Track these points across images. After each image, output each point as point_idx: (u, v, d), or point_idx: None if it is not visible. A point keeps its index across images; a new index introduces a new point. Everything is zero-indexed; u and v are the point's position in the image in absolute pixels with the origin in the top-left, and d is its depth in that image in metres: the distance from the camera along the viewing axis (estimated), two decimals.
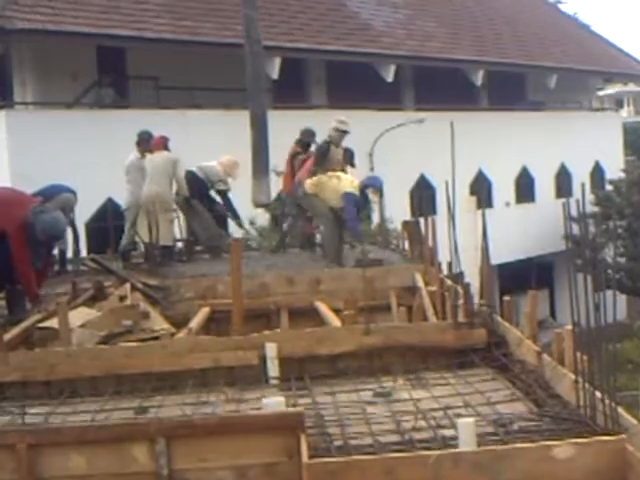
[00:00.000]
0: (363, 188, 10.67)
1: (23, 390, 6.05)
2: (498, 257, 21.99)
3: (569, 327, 5.05)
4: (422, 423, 4.83)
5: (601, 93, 48.56)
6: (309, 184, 10.89)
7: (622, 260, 29.60)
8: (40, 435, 4.46)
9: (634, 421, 4.27)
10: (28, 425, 5.00)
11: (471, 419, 4.28)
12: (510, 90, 29.98)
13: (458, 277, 7.10)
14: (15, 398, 5.87)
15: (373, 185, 10.80)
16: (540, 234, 27.21)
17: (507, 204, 28.06)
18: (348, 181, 10.81)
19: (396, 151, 23.52)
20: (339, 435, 4.73)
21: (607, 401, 4.36)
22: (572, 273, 4.81)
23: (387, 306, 8.64)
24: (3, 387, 6.10)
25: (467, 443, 4.09)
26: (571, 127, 29.86)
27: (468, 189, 26.54)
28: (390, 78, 25.63)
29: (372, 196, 10.68)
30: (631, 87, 58.31)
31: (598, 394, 4.43)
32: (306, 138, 13.17)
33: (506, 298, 6.43)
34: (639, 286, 29.30)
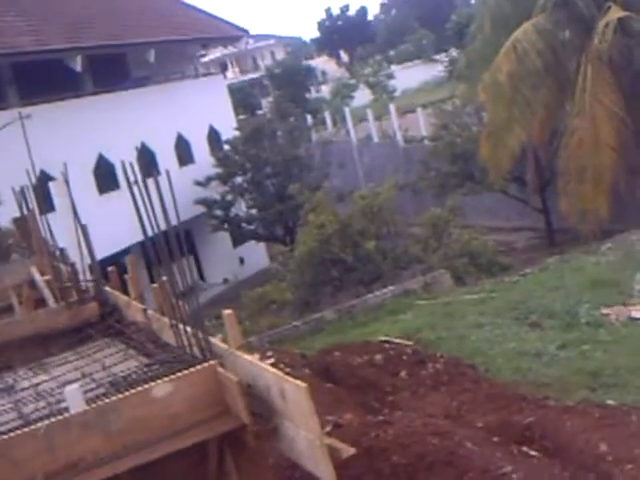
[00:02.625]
0: None
1: None
2: (135, 235, 22.35)
3: (164, 279, 5.40)
4: (42, 404, 5.01)
5: (205, 59, 50.30)
6: None
7: (254, 212, 31.38)
8: None
9: (225, 347, 4.78)
10: None
11: (76, 385, 4.54)
12: (113, 71, 30.07)
13: (65, 261, 7.25)
14: None
15: None
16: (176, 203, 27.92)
17: (135, 182, 28.31)
18: None
19: (11, 150, 22.75)
20: None
21: (200, 335, 4.83)
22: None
23: (11, 306, 8.53)
24: None
25: (76, 407, 4.35)
26: (180, 97, 30.61)
27: (92, 175, 26.49)
28: None
29: None
30: (232, 49, 61.23)
31: (191, 331, 4.88)
32: None
33: (110, 268, 6.72)
34: (274, 232, 31.35)
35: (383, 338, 13.19)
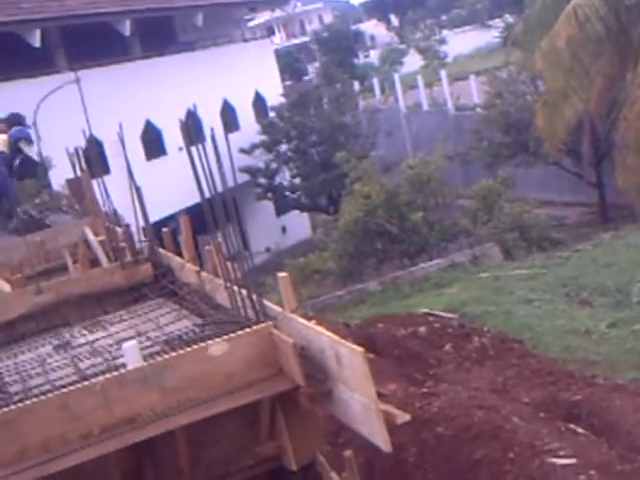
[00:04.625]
0: (14, 142, 10.41)
1: None
2: (182, 202, 22.52)
3: (216, 242, 5.41)
4: (98, 360, 5.08)
5: (252, 23, 50.02)
6: None
7: (297, 181, 31.27)
8: None
9: (279, 309, 4.78)
10: None
11: (134, 341, 4.58)
12: (160, 35, 30.07)
13: (119, 222, 7.32)
14: None
15: (24, 137, 10.54)
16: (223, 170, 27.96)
17: (180, 149, 28.37)
18: None
19: (60, 114, 22.90)
20: (20, 392, 4.85)
21: (254, 297, 4.83)
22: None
23: (65, 265, 8.63)
24: None
25: (134, 363, 4.39)
26: (227, 62, 30.36)
27: (140, 141, 26.62)
28: (37, 43, 24.76)
29: (25, 147, 10.42)
30: (279, 13, 60.69)
31: (245, 293, 4.88)
32: None
33: (164, 229, 6.76)
34: (317, 202, 31.25)
35: (426, 310, 13.14)
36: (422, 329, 12.00)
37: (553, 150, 22.21)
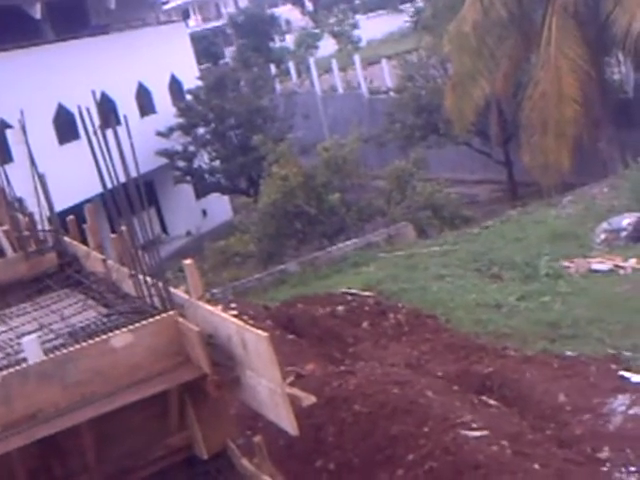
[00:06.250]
0: None
1: None
2: (97, 186, 22.16)
3: (120, 230, 5.31)
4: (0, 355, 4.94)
5: (167, 7, 49.31)
6: None
7: (217, 163, 31.08)
8: None
9: (186, 297, 4.73)
10: None
11: (34, 335, 4.48)
12: (72, 18, 29.41)
13: (24, 211, 7.12)
14: None
15: None
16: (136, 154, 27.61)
17: (94, 133, 27.83)
18: None
19: None
20: None
21: (160, 285, 4.77)
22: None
23: None
24: None
25: (34, 357, 4.29)
26: (141, 45, 29.95)
27: (52, 125, 26.04)
28: None
29: None
30: None
31: (151, 281, 4.82)
32: None
33: (69, 218, 6.60)
34: (237, 184, 31.13)
35: (345, 290, 13.24)
36: (340, 308, 12.11)
37: (462, 131, 22.76)
